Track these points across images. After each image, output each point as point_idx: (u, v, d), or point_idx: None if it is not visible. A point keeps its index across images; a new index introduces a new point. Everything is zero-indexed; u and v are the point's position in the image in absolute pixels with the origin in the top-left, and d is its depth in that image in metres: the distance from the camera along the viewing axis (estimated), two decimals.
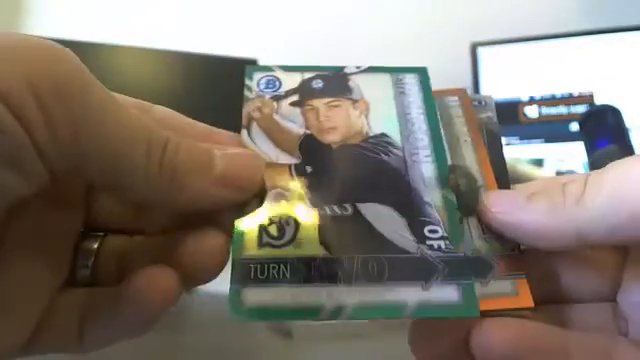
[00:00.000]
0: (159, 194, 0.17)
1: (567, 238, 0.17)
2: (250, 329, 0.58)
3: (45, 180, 0.15)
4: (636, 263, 0.19)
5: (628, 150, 0.54)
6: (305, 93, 0.23)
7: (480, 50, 0.94)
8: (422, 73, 0.24)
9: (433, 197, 0.20)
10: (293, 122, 0.22)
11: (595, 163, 0.55)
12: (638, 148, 0.58)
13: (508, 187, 0.20)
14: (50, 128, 0.15)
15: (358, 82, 0.23)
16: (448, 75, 1.01)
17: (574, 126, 0.87)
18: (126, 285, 0.18)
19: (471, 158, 0.21)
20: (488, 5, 1.05)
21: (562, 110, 0.90)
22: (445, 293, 0.17)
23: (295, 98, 0.23)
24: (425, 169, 0.21)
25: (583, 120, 0.58)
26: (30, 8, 1.04)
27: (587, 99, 0.88)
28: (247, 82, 0.23)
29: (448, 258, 0.18)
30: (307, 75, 0.24)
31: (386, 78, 0.24)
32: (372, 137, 0.21)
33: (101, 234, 0.20)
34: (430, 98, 0.23)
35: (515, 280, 0.18)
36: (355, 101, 0.23)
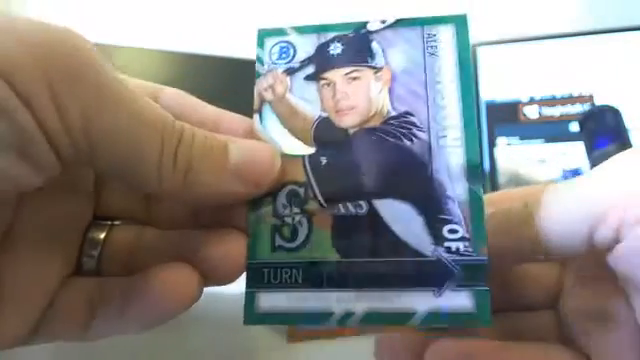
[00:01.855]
0: (172, 188, 0.16)
1: (508, 256, 0.18)
2: (249, 329, 0.58)
3: (56, 170, 0.15)
4: (572, 273, 0.21)
5: None
6: (321, 62, 0.20)
7: (480, 50, 0.94)
8: (460, 24, 0.19)
9: (457, 190, 0.18)
10: (308, 102, 0.19)
11: (595, 163, 0.55)
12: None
13: None
14: (61, 116, 0.14)
15: (383, 42, 0.20)
16: None
17: (574, 126, 0.87)
18: (143, 278, 0.17)
19: None
20: (488, 5, 1.05)
21: (562, 110, 0.90)
22: (458, 300, 0.17)
23: (310, 70, 0.20)
24: (452, 155, 0.18)
25: (583, 120, 0.58)
26: (30, 8, 1.04)
27: (587, 99, 0.88)
28: (258, 52, 0.20)
29: (466, 262, 0.17)
30: (324, 38, 0.20)
31: (416, 35, 0.19)
32: (394, 117, 0.19)
33: (109, 223, 0.20)
34: (466, 59, 0.19)
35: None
36: (377, 70, 0.19)
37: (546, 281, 0.21)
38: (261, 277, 0.18)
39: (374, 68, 0.20)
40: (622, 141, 0.54)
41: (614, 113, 0.56)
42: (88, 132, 0.14)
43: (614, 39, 0.89)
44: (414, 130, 0.18)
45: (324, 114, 0.19)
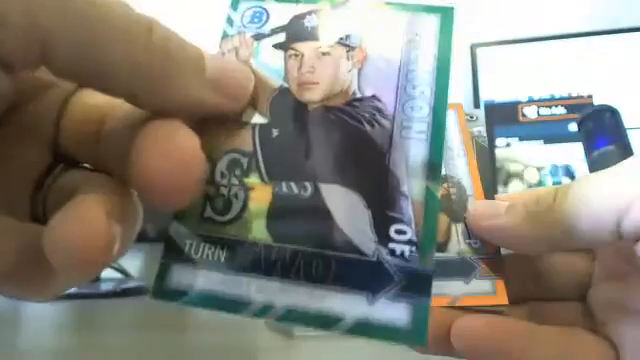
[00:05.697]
0: (144, 95, 0.15)
1: (539, 243, 0.19)
2: (251, 328, 0.58)
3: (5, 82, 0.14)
4: (602, 267, 0.21)
5: (627, 150, 0.54)
6: (293, 33, 0.19)
7: (479, 51, 0.94)
8: (446, 15, 0.18)
9: (413, 187, 0.16)
10: (272, 71, 0.18)
11: (594, 163, 0.55)
12: (637, 148, 0.58)
13: (494, 197, 0.22)
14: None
15: (362, 22, 0.18)
16: None
17: (573, 127, 0.87)
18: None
19: (463, 169, 0.22)
20: (488, 6, 1.05)
21: (561, 110, 0.90)
22: (392, 311, 0.14)
23: (280, 39, 0.19)
24: (414, 149, 0.16)
25: (581, 120, 0.58)
26: None
27: (586, 100, 0.89)
28: (230, 13, 0.19)
29: (409, 269, 0.15)
30: (301, 9, 0.19)
31: (399, 20, 0.18)
32: (358, 99, 0.17)
33: (60, 167, 0.17)
34: (446, 52, 0.17)
35: (494, 280, 0.20)
36: (350, 49, 0.18)
37: (575, 273, 0.22)
38: (181, 248, 0.16)
39: (347, 47, 0.18)
40: (621, 141, 0.54)
41: (613, 113, 0.56)
42: (34, 31, 0.13)
43: (613, 40, 0.89)
44: (377, 116, 0.17)
45: (285, 85, 0.18)
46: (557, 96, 0.90)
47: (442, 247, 0.21)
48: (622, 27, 0.89)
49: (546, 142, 0.90)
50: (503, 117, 0.92)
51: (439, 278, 0.19)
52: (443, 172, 0.21)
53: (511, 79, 0.93)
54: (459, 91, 0.96)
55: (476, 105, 0.93)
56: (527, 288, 0.22)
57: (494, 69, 0.94)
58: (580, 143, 0.58)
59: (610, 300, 0.20)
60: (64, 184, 0.17)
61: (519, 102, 0.92)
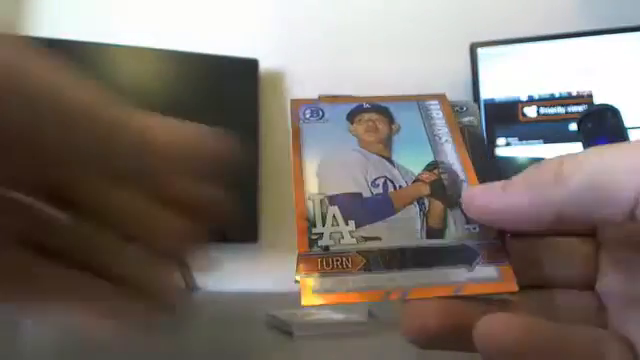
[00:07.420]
0: None
1: (546, 217, 0.17)
2: (250, 328, 0.58)
3: None
4: (608, 255, 0.20)
5: None
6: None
7: (480, 50, 0.94)
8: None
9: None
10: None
11: None
12: None
13: None
14: None
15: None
16: (448, 75, 1.02)
17: (573, 126, 0.87)
18: None
19: (452, 156, 0.23)
20: (488, 5, 1.05)
21: (561, 110, 0.90)
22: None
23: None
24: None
25: (581, 120, 0.58)
26: (30, 8, 1.04)
27: (586, 99, 0.88)
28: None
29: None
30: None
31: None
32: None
33: None
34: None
35: (499, 267, 0.19)
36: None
37: (579, 258, 0.20)
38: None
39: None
40: (621, 141, 0.53)
41: (613, 113, 0.56)
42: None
43: (614, 39, 0.89)
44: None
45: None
46: (557, 95, 0.90)
47: (439, 234, 0.20)
48: (623, 27, 0.89)
49: (546, 142, 0.90)
50: (503, 116, 0.92)
51: (440, 266, 0.19)
52: (433, 158, 0.22)
53: (511, 78, 0.93)
54: (459, 90, 0.96)
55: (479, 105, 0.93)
56: (527, 274, 0.20)
57: (494, 68, 0.94)
58: (580, 143, 0.58)
59: (621, 293, 0.19)
60: None
61: (519, 101, 0.92)
